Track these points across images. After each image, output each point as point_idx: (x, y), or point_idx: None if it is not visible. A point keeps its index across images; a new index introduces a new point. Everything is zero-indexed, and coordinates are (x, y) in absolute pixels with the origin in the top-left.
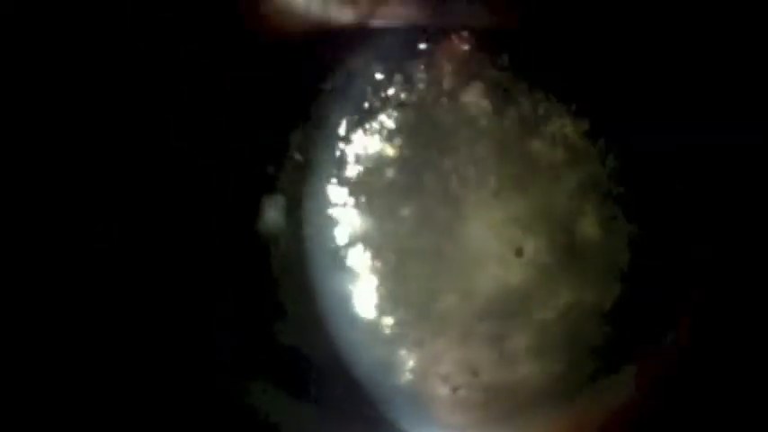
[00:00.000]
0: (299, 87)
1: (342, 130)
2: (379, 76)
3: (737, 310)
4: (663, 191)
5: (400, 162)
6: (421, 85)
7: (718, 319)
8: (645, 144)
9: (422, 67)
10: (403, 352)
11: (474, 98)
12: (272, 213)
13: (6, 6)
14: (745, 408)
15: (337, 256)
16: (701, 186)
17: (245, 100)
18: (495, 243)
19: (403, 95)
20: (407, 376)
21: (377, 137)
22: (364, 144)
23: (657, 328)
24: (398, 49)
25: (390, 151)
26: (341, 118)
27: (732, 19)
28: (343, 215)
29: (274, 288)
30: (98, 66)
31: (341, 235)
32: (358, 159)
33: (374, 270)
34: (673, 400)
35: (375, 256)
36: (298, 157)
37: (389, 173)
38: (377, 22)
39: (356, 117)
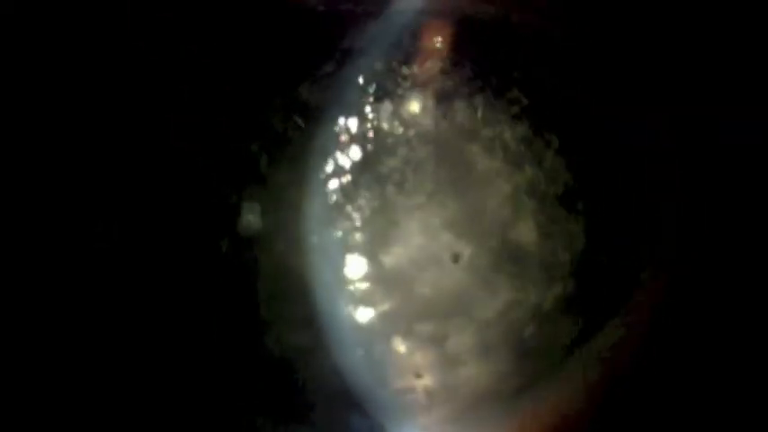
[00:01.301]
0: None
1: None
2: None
3: (683, 306)
4: (604, 189)
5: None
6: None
7: (663, 314)
8: (586, 142)
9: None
10: (346, 356)
11: (414, 101)
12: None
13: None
14: (694, 401)
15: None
16: (642, 183)
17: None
18: (432, 248)
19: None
20: (352, 380)
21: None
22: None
23: (599, 326)
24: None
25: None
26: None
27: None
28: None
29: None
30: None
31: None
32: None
33: (313, 272)
34: (618, 397)
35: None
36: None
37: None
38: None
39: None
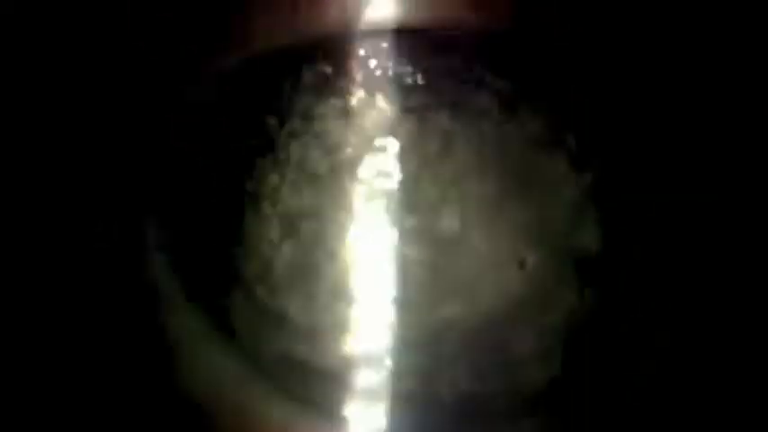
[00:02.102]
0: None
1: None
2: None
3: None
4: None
5: (398, 171)
6: (419, 90)
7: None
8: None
9: (421, 70)
10: (410, 360)
11: (474, 106)
12: None
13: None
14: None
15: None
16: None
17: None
18: (498, 255)
19: (399, 100)
20: (409, 383)
21: (372, 145)
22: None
23: (655, 330)
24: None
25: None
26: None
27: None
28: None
29: None
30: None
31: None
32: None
33: (377, 279)
34: (672, 400)
35: (377, 267)
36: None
37: (386, 182)
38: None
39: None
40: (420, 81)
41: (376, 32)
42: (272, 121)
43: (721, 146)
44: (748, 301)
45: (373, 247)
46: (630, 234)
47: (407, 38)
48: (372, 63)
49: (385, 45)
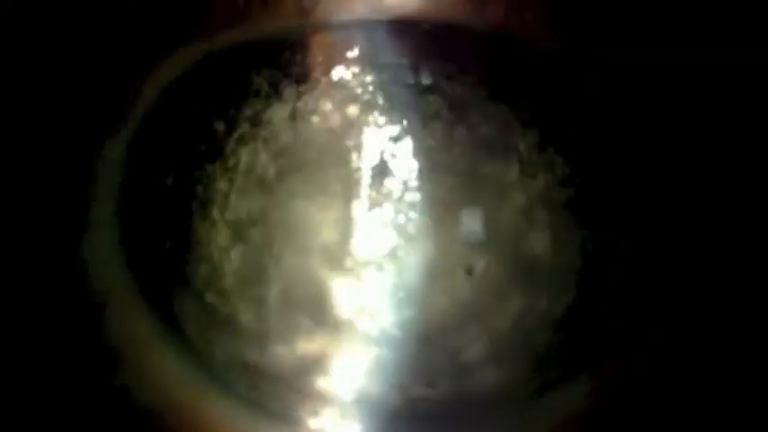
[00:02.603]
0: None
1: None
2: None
3: (694, 316)
4: (616, 195)
5: (346, 175)
6: (368, 93)
7: (675, 325)
8: (596, 149)
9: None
10: (360, 365)
11: (425, 109)
12: None
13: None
14: (701, 416)
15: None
16: (655, 190)
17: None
18: (446, 261)
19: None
20: (361, 388)
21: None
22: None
23: (612, 333)
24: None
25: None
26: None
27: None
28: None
29: None
30: None
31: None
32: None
33: (327, 283)
34: (627, 406)
35: (326, 272)
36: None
37: (334, 187)
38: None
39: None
40: (369, 84)
41: (324, 31)
42: (221, 126)
43: (686, 146)
44: (724, 300)
45: (322, 251)
46: (610, 237)
47: (360, 36)
48: (323, 66)
49: (336, 45)
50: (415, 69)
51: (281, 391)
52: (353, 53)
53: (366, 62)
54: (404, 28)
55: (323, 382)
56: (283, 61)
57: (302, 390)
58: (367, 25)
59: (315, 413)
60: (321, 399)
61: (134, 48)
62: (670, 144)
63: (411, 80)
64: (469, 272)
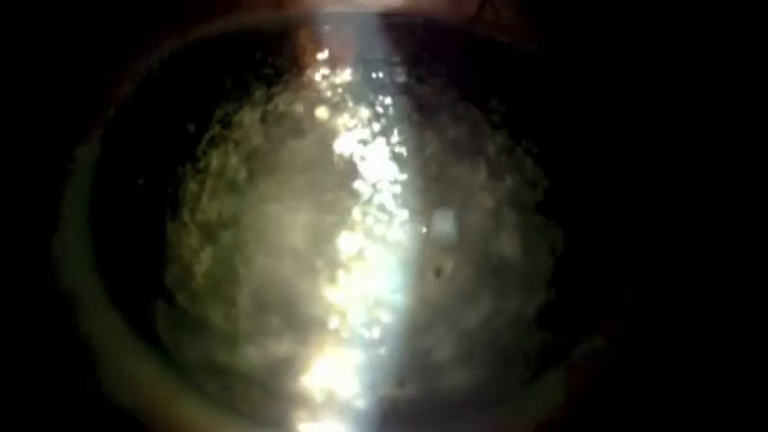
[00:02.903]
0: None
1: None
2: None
3: (666, 312)
4: (585, 196)
5: (316, 177)
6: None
7: (646, 321)
8: (565, 150)
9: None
10: (326, 365)
11: (395, 111)
12: None
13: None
14: (675, 410)
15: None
16: (623, 187)
17: None
18: (415, 263)
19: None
20: (331, 388)
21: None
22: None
23: (580, 334)
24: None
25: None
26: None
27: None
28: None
29: None
30: None
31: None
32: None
33: (296, 285)
34: (597, 405)
35: (296, 273)
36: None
37: (304, 189)
38: None
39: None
40: (339, 86)
41: (297, 27)
42: (192, 128)
43: (655, 145)
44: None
45: (292, 253)
46: (579, 237)
47: (333, 32)
48: (294, 67)
49: (308, 43)
50: (387, 68)
51: (251, 391)
52: (325, 53)
53: (338, 61)
54: (376, 23)
55: (293, 383)
56: (255, 61)
57: (273, 390)
58: (340, 20)
59: (285, 414)
60: (291, 399)
61: (106, 47)
62: (639, 144)
63: (383, 80)
64: (438, 273)
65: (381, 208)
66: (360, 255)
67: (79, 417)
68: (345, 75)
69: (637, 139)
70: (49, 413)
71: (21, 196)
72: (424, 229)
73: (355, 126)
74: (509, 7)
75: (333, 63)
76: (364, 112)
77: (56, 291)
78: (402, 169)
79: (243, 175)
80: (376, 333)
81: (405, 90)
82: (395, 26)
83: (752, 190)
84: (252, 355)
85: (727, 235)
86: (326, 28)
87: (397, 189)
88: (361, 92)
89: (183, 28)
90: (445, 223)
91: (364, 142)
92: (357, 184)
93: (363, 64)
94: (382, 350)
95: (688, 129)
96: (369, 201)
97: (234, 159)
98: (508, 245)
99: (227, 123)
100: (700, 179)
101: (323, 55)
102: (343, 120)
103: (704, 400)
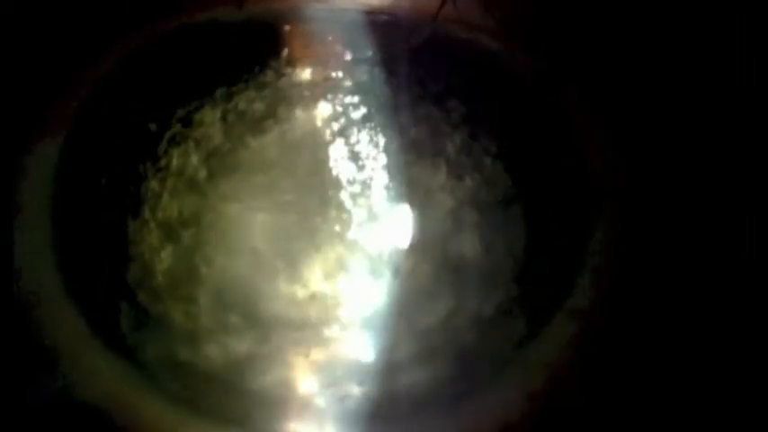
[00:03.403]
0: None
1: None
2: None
3: (626, 310)
4: (544, 194)
5: (277, 176)
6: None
7: (606, 319)
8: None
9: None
10: (287, 363)
11: (357, 112)
12: None
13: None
14: (638, 408)
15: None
16: (582, 184)
17: None
18: (372, 263)
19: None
20: (292, 386)
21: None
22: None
23: (540, 331)
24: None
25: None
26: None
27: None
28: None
29: None
30: None
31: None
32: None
33: (256, 284)
34: (559, 402)
35: (256, 272)
36: None
37: (264, 188)
38: None
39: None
40: (302, 84)
41: (258, 23)
42: (153, 126)
43: (616, 141)
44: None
45: (252, 251)
46: (538, 236)
47: (294, 28)
48: (254, 67)
49: (269, 39)
50: (348, 66)
51: (213, 389)
52: (285, 52)
53: (298, 60)
54: (339, 21)
55: (254, 381)
56: (216, 59)
57: (234, 388)
58: (301, 18)
59: (247, 411)
60: (252, 397)
61: (67, 45)
62: (596, 139)
63: (342, 79)
64: (397, 273)
65: (341, 207)
66: (319, 254)
67: (40, 416)
68: (306, 74)
69: (594, 135)
70: (9, 413)
71: None
72: (382, 228)
73: (316, 125)
74: (470, 4)
75: (293, 62)
76: (325, 111)
77: (17, 290)
78: (361, 168)
79: (203, 173)
80: (335, 331)
81: (365, 89)
82: (356, 24)
83: (712, 177)
84: (212, 352)
85: (689, 228)
86: (287, 26)
87: (357, 188)
88: (322, 91)
89: (144, 25)
90: (401, 223)
91: (325, 141)
92: (317, 184)
93: (324, 63)
94: (341, 348)
95: (646, 121)
96: (328, 200)
97: (194, 158)
98: (467, 243)
99: (188, 122)
100: (660, 170)
101: (284, 54)
102: (304, 119)
103: (668, 397)
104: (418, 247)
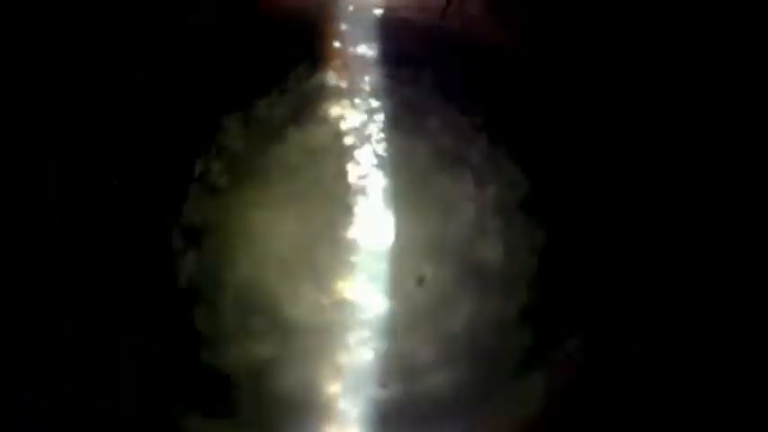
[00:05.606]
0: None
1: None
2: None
3: (648, 312)
4: (567, 198)
5: (298, 183)
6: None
7: (627, 321)
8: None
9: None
10: (310, 367)
11: (383, 117)
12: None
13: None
14: (657, 409)
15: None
16: (604, 187)
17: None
18: (397, 271)
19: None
20: (314, 390)
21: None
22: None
23: (561, 336)
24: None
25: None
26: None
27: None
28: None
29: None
30: None
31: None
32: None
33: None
34: (582, 405)
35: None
36: None
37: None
38: None
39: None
40: (323, 90)
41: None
42: (176, 132)
43: (635, 145)
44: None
45: (276, 258)
46: (560, 239)
47: (314, 32)
48: (276, 73)
49: (289, 43)
50: (372, 70)
51: (233, 393)
52: (308, 54)
53: (322, 64)
54: (359, 22)
55: (276, 385)
56: (238, 65)
57: (254, 392)
58: (325, 21)
59: (266, 414)
60: (272, 400)
61: (79, 45)
62: (619, 142)
63: (366, 83)
64: (421, 280)
65: (363, 213)
66: (343, 260)
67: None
68: (329, 79)
69: (617, 137)
70: None
71: None
72: (406, 234)
73: (340, 130)
74: (480, 5)
75: (316, 67)
76: (348, 117)
77: None
78: (386, 175)
79: (225, 180)
80: (358, 335)
81: (389, 93)
82: (379, 28)
83: (735, 188)
84: (233, 356)
85: (707, 234)
86: (310, 30)
87: (379, 194)
88: (345, 96)
89: (163, 32)
90: (425, 228)
91: (349, 147)
92: (341, 190)
93: (346, 68)
94: (365, 352)
95: (666, 126)
96: (352, 206)
97: (216, 164)
98: (489, 247)
99: (211, 128)
100: (680, 176)
101: (306, 59)
102: (327, 124)
103: (686, 398)
104: (441, 253)
